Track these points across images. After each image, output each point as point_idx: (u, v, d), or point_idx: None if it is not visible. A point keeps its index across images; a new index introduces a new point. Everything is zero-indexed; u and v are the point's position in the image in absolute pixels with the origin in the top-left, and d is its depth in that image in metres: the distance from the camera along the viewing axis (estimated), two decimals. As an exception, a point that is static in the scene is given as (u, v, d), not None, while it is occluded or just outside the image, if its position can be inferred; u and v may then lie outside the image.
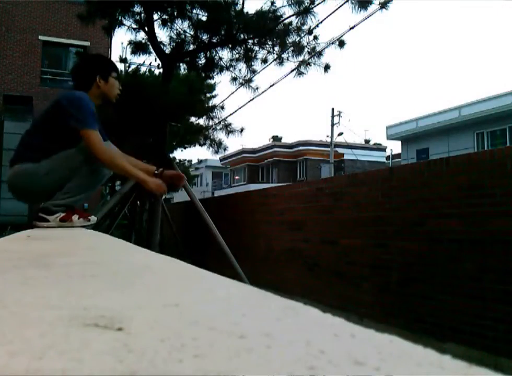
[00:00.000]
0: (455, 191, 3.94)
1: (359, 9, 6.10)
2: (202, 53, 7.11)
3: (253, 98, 8.30)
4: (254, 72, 7.47)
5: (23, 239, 1.56)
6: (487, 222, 3.63)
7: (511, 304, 3.36)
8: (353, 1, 6.09)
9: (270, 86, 8.73)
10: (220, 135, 9.01)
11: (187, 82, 7.25)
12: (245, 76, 7.51)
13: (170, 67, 6.89)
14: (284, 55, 7.09)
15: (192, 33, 6.77)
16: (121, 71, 8.39)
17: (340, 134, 25.52)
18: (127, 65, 11.84)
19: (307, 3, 6.36)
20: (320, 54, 6.95)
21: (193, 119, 9.37)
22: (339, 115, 25.15)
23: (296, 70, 7.24)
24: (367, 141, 33.26)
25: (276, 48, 7.00)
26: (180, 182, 2.78)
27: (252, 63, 7.26)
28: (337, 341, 0.34)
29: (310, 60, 7.02)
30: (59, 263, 0.81)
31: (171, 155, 10.61)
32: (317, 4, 6.39)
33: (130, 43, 7.27)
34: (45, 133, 2.39)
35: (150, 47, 7.08)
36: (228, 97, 9.28)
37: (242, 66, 7.32)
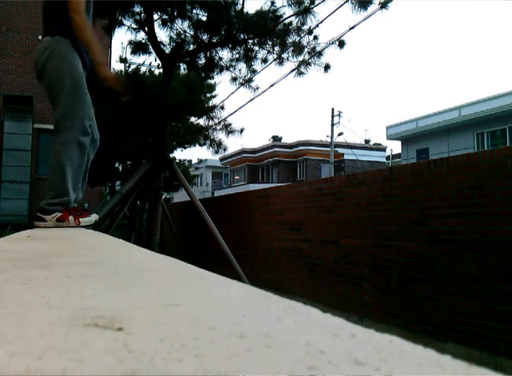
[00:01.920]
0: (455, 191, 3.94)
1: (359, 9, 6.10)
2: (202, 53, 7.11)
3: (253, 98, 8.30)
4: (254, 72, 7.47)
5: (23, 239, 1.56)
6: (487, 222, 3.64)
7: (511, 304, 3.36)
8: (353, 1, 6.10)
9: (270, 86, 8.73)
10: (220, 135, 9.01)
11: (187, 82, 7.26)
12: (245, 76, 7.52)
13: (170, 67, 6.89)
14: (285, 55, 7.10)
15: (192, 33, 6.77)
16: (121, 71, 8.40)
17: (340, 134, 25.53)
18: (127, 65, 11.85)
19: (307, 3, 6.36)
20: (319, 54, 6.95)
21: (193, 119, 9.37)
22: (339, 115, 25.18)
23: (296, 70, 7.24)
24: (367, 141, 33.26)
25: (276, 48, 7.00)
26: (109, 83, 2.50)
27: (252, 63, 7.26)
28: (337, 341, 0.34)
29: (310, 60, 7.02)
30: (59, 263, 0.81)
31: (171, 155, 10.60)
32: (317, 4, 6.40)
33: (130, 43, 7.28)
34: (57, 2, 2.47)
35: (150, 47, 7.08)
36: (228, 97, 9.27)
37: (242, 66, 7.33)
